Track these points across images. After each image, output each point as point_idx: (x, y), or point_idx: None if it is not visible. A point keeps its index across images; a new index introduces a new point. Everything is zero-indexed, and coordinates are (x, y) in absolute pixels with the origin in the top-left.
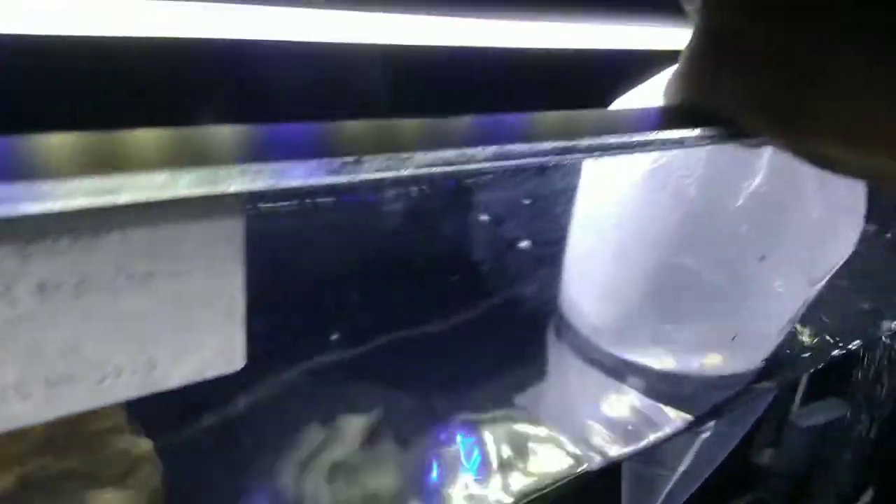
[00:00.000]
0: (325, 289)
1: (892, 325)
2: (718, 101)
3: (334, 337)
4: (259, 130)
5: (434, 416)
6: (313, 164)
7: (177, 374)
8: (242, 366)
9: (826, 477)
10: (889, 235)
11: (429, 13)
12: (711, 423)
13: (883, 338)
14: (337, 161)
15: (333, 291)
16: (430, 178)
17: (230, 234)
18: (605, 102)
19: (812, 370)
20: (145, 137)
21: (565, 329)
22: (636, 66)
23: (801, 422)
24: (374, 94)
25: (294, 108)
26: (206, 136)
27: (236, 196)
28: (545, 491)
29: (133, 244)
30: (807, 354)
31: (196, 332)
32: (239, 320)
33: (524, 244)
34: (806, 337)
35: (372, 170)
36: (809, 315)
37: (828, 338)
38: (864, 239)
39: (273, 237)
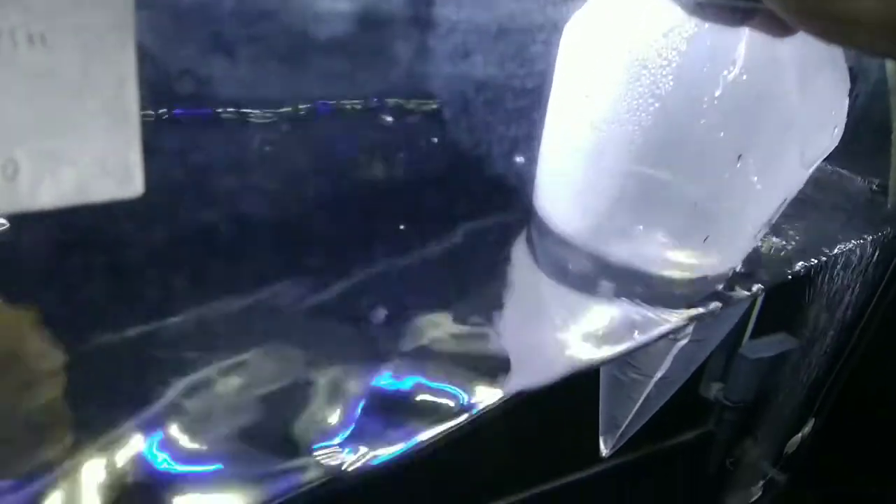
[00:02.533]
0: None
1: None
2: None
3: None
4: None
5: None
6: None
7: (49, 188)
8: (140, 191)
9: (771, 408)
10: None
11: None
12: (689, 331)
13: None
14: None
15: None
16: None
17: None
18: None
19: (779, 282)
20: None
21: (537, 233)
22: None
23: (751, 354)
24: None
25: None
26: None
27: None
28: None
29: None
30: (779, 262)
31: (70, 132)
32: (131, 122)
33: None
34: (777, 244)
35: None
36: (782, 226)
37: (793, 250)
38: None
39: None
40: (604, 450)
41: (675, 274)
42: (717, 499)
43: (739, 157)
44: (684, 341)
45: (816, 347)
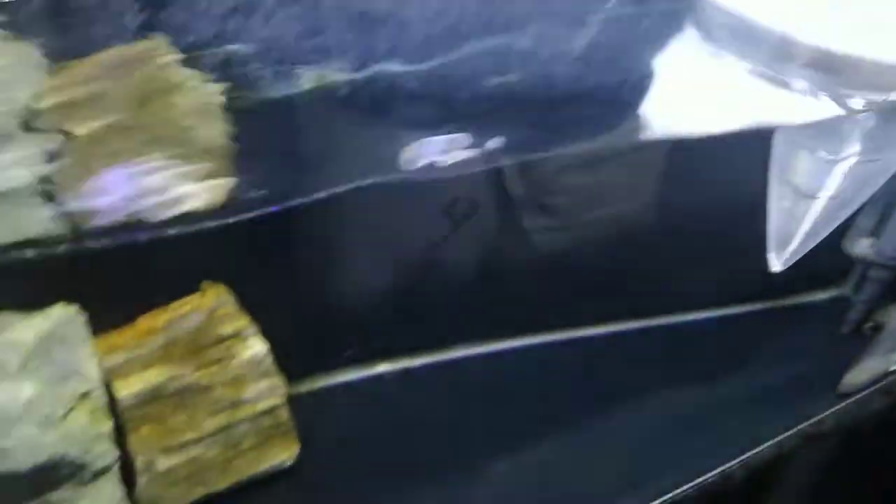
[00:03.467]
0: None
1: None
2: None
3: None
4: None
5: None
6: None
7: None
8: None
9: None
10: None
11: None
12: (859, 150)
13: None
14: None
15: None
16: None
17: None
18: None
19: None
20: None
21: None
22: None
23: None
24: None
25: None
26: None
27: None
28: None
29: None
30: None
31: None
32: None
33: None
34: None
35: None
36: None
37: None
38: None
39: None
40: (774, 264)
41: (879, 57)
42: (849, 362)
43: None
44: (855, 160)
45: None
